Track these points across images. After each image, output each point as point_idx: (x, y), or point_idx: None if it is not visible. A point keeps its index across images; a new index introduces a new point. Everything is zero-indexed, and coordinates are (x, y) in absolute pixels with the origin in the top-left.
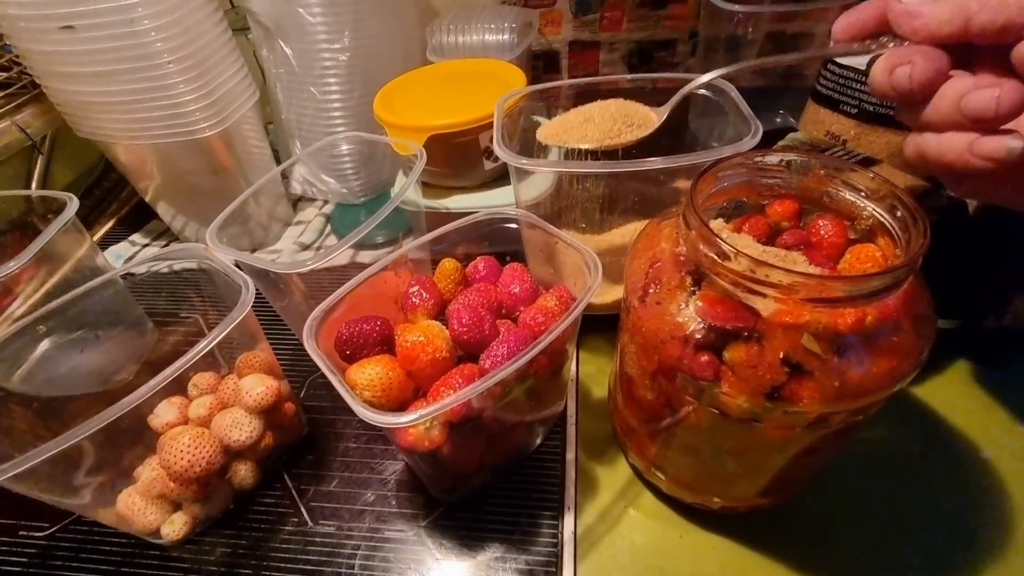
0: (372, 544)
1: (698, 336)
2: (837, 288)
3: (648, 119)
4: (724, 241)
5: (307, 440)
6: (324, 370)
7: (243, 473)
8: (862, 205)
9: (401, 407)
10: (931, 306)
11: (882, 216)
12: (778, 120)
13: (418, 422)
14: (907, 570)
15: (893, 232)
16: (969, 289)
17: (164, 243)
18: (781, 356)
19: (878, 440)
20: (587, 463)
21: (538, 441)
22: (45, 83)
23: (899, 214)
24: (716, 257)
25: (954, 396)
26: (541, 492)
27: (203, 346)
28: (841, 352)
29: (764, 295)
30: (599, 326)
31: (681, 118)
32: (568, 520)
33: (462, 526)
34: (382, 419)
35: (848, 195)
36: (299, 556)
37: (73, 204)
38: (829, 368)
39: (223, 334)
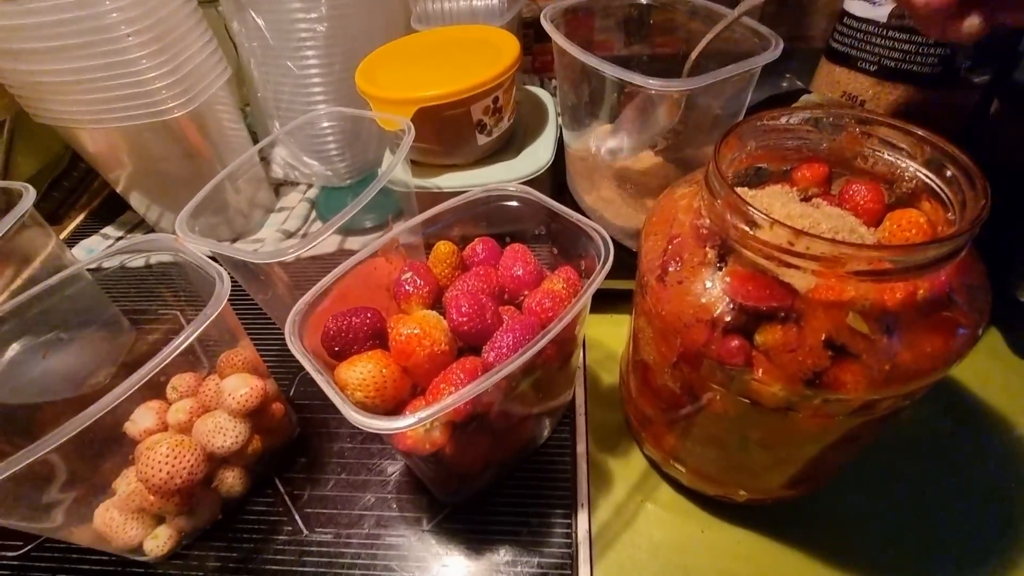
0: (373, 551)
1: (727, 318)
2: (892, 259)
3: None
4: (756, 209)
5: (299, 441)
6: (310, 370)
7: (230, 481)
8: (904, 165)
9: (398, 407)
10: (984, 275)
11: (928, 177)
12: (784, 84)
13: (418, 426)
14: (941, 555)
15: (942, 194)
16: (999, 259)
17: (139, 235)
18: (823, 338)
19: (905, 420)
20: (599, 456)
21: (546, 434)
22: None
23: (949, 174)
24: (746, 228)
25: (983, 371)
26: (552, 489)
27: (174, 347)
28: (890, 331)
29: (802, 269)
30: (606, 305)
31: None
32: (582, 518)
33: (469, 528)
34: (376, 424)
35: (887, 155)
36: (295, 568)
37: (29, 195)
38: (878, 350)
39: (196, 333)
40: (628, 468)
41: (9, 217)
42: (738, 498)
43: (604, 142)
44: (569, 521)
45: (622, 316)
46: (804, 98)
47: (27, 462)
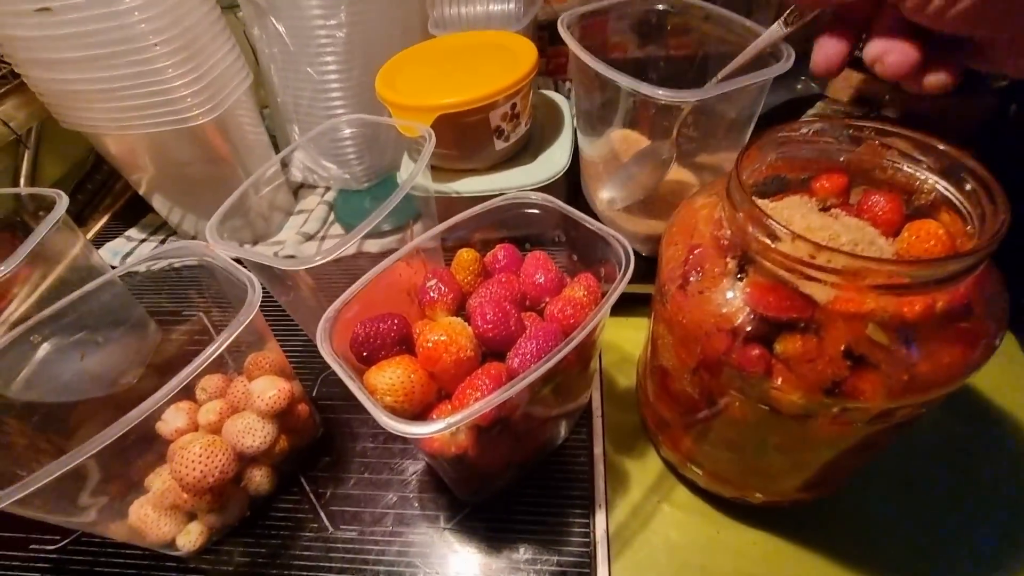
0: (396, 548)
1: (747, 328)
2: (912, 274)
3: None
4: (777, 222)
5: (322, 441)
6: (343, 377)
7: (258, 479)
8: (923, 177)
9: (425, 410)
10: (1003, 284)
11: (947, 189)
12: (799, 87)
13: (446, 431)
14: (957, 559)
15: (961, 207)
16: (1016, 264)
17: (162, 237)
18: (843, 348)
19: (922, 425)
20: (616, 457)
21: (563, 435)
22: (25, 72)
23: (969, 187)
24: (767, 240)
25: (1000, 376)
26: (569, 489)
27: (210, 353)
28: (909, 342)
29: (823, 281)
30: (621, 308)
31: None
32: (600, 518)
33: (489, 527)
34: (408, 429)
35: (907, 167)
36: (321, 564)
37: (63, 202)
38: (896, 360)
39: (231, 339)
40: (644, 469)
41: (44, 224)
42: (754, 500)
43: (607, 192)
44: (587, 521)
45: (637, 319)
46: (819, 104)
47: (69, 467)
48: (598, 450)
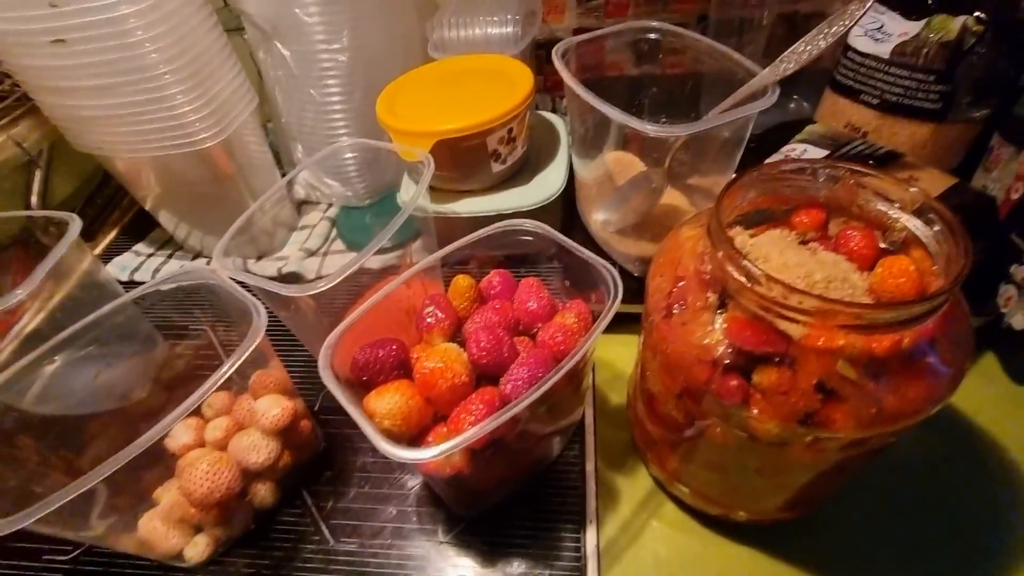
0: (394, 561)
1: (726, 360)
2: (876, 318)
3: None
4: (752, 264)
5: (324, 455)
6: (343, 402)
7: (263, 493)
8: (895, 216)
9: (421, 432)
10: (968, 320)
11: (916, 229)
12: (792, 106)
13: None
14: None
15: (928, 245)
16: (995, 287)
17: (169, 252)
18: (815, 382)
19: (905, 443)
20: (607, 473)
21: (556, 451)
22: (38, 98)
23: (936, 228)
24: (745, 281)
25: (979, 396)
26: (562, 504)
27: (218, 377)
28: (877, 377)
29: (796, 320)
30: (614, 326)
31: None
32: (591, 533)
33: (484, 541)
34: (405, 455)
35: (880, 205)
36: (322, 575)
37: (75, 225)
38: (864, 394)
39: (236, 364)
40: (635, 486)
41: (58, 248)
42: (738, 518)
43: (601, 215)
44: (578, 536)
45: (630, 336)
46: (808, 129)
47: (85, 488)
48: (590, 467)
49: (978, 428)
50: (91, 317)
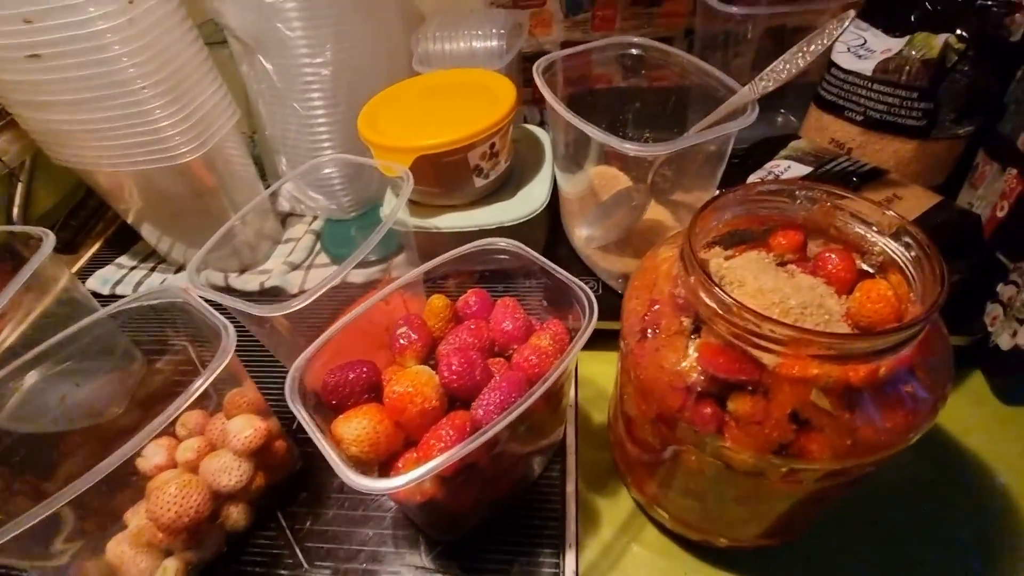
0: None
1: (699, 388)
2: (848, 348)
3: None
4: (726, 292)
5: (301, 475)
6: (309, 430)
7: (235, 516)
8: (872, 240)
9: (391, 458)
10: (948, 346)
11: (894, 253)
12: (779, 120)
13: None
14: None
15: (906, 270)
16: (982, 306)
17: (151, 265)
18: (788, 412)
19: (890, 466)
20: (588, 495)
21: (537, 471)
22: (16, 112)
23: (913, 253)
24: (717, 308)
25: (966, 418)
26: (543, 527)
27: (186, 397)
28: (852, 407)
29: (769, 349)
30: (597, 343)
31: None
32: (570, 558)
33: (462, 565)
34: (368, 485)
35: (858, 228)
36: None
37: (49, 240)
38: (840, 425)
39: (203, 387)
40: (616, 508)
41: (29, 264)
42: (719, 544)
43: (585, 230)
44: (558, 560)
45: (613, 354)
46: (792, 145)
47: (46, 514)
48: (570, 488)
49: (966, 450)
50: (63, 333)
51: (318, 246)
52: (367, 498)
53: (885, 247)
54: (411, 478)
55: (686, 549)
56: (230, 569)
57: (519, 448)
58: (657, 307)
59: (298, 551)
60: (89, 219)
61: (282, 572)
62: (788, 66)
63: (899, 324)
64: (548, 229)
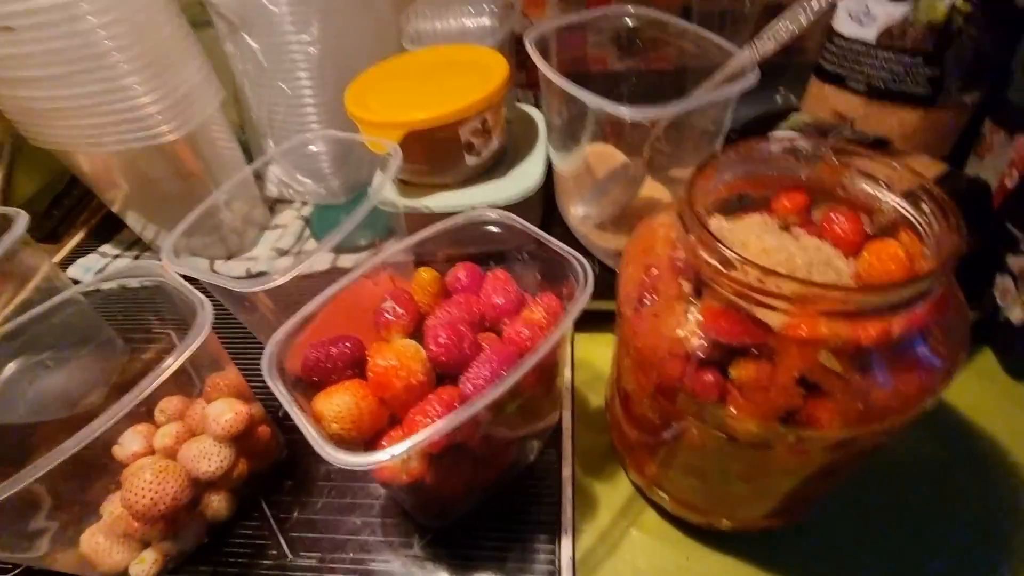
0: None
1: (700, 354)
2: (859, 301)
3: None
4: (728, 247)
5: (286, 463)
6: (286, 405)
7: (216, 504)
8: (881, 197)
9: (376, 437)
10: (964, 309)
11: (905, 210)
12: (778, 99)
13: (392, 462)
14: None
15: (919, 227)
16: (992, 279)
17: (136, 253)
18: (796, 376)
19: (896, 446)
20: (585, 479)
21: (533, 455)
22: None
23: (925, 207)
24: (719, 265)
25: (976, 395)
26: (537, 513)
27: (154, 378)
28: (864, 369)
29: (774, 307)
30: (594, 324)
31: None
32: (566, 544)
33: (453, 553)
34: (348, 460)
35: (865, 186)
36: None
37: (21, 220)
38: (851, 388)
39: (175, 366)
40: (614, 492)
41: (2, 242)
42: (722, 527)
43: (580, 208)
44: (553, 547)
45: (611, 336)
46: (792, 117)
47: (9, 493)
48: (566, 472)
49: (975, 428)
50: (36, 311)
51: (307, 232)
52: (354, 486)
53: (896, 205)
54: (395, 453)
55: (687, 533)
56: (211, 560)
57: (511, 431)
58: (655, 271)
59: (283, 541)
60: (73, 208)
61: (266, 563)
62: (790, 25)
63: (915, 276)
64: (543, 210)
